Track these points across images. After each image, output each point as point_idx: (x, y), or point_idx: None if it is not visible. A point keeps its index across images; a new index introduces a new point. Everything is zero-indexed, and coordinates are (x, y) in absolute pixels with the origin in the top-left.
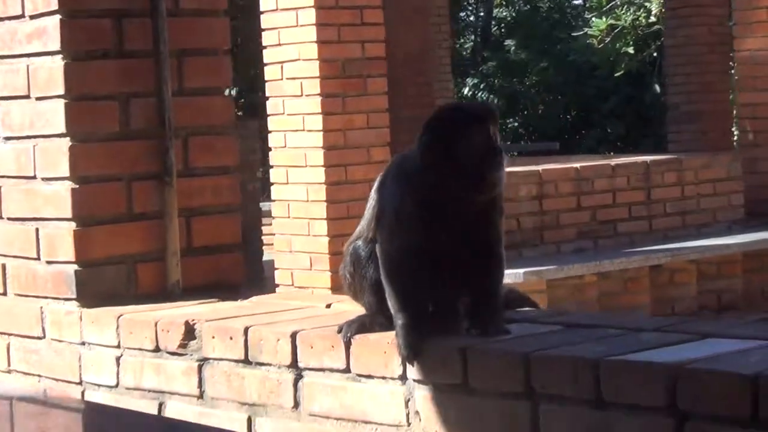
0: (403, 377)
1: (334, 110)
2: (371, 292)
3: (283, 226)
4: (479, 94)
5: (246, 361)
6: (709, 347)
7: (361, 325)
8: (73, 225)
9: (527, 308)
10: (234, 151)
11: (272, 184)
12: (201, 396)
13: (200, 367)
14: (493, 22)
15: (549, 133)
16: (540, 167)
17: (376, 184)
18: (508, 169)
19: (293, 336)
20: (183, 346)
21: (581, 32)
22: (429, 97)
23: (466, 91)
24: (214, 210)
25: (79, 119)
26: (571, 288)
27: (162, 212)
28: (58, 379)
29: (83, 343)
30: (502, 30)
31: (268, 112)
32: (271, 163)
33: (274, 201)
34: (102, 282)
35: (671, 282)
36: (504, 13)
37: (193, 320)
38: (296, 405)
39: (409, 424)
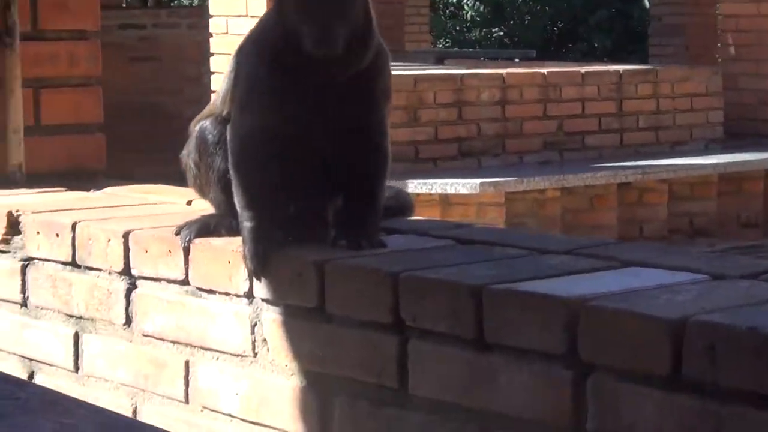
0: (249, 295)
1: None
2: (219, 187)
3: None
4: (465, 0)
5: (74, 264)
6: (628, 279)
7: (204, 227)
8: None
9: (418, 218)
10: (95, 12)
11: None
12: (24, 303)
13: (24, 268)
14: None
15: (535, 44)
16: (504, 70)
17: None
18: (469, 71)
19: (125, 236)
20: (5, 241)
21: None
22: None
23: None
24: (68, 81)
25: None
26: (532, 202)
27: (2, 80)
28: None
29: None
30: None
31: None
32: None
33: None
34: None
35: (640, 201)
36: None
37: (17, 211)
38: (128, 321)
39: (255, 354)
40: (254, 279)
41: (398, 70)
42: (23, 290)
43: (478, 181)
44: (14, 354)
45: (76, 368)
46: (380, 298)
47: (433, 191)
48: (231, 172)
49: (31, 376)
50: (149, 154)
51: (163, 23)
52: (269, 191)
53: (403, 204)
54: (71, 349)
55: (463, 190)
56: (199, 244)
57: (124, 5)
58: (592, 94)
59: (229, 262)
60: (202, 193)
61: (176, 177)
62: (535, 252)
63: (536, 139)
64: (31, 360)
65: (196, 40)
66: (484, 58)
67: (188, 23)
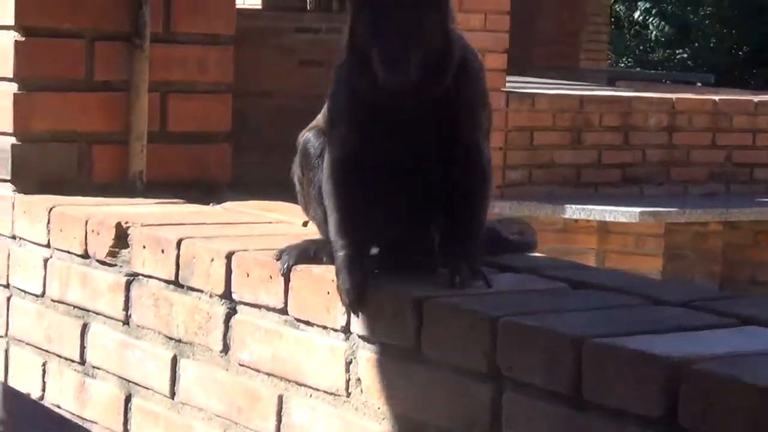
0: (346, 330)
1: None
2: (319, 203)
3: None
4: (650, 19)
5: (176, 283)
6: (743, 340)
7: (304, 253)
8: (14, 87)
9: (537, 254)
10: (230, 15)
11: None
12: (126, 321)
13: (128, 284)
14: None
15: (719, 68)
16: (674, 95)
17: None
18: (638, 94)
19: (228, 257)
20: (112, 254)
21: None
22: (576, 9)
23: (636, 15)
24: (198, 88)
25: None
26: (693, 235)
27: (129, 83)
28: None
29: (14, 237)
30: None
31: None
32: None
33: None
34: (46, 163)
35: None
36: None
37: (126, 223)
38: (225, 349)
39: (348, 394)
40: (351, 313)
41: (564, 89)
42: (126, 307)
43: (638, 209)
44: (114, 374)
45: (172, 394)
46: (477, 344)
47: (591, 218)
48: (324, 199)
49: (128, 398)
50: None
51: (337, 27)
52: (361, 218)
53: (528, 242)
54: (168, 374)
55: (623, 219)
56: (300, 272)
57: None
58: (765, 124)
59: (328, 292)
60: (306, 211)
61: None
62: (649, 301)
63: (702, 169)
64: (129, 382)
65: None
66: (666, 81)
67: None
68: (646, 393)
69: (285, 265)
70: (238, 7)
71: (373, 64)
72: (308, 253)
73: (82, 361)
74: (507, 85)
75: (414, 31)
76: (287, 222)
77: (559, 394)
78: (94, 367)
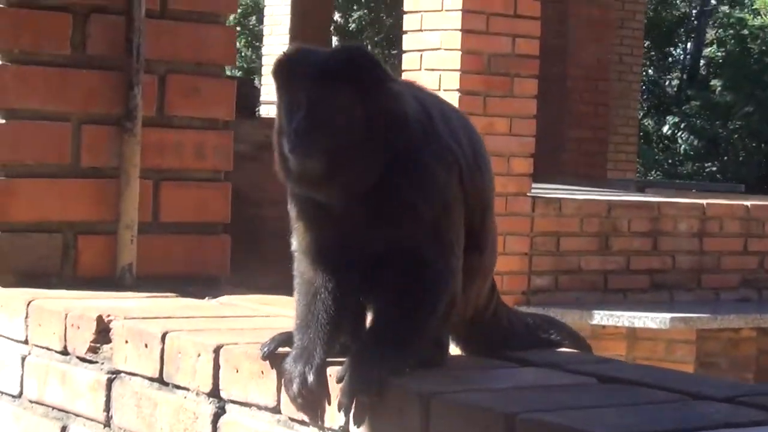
0: (345, 430)
1: (473, 110)
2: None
3: None
4: (679, 133)
5: (161, 381)
6: None
7: (288, 339)
8: None
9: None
10: (229, 99)
11: None
12: (107, 423)
13: (109, 383)
14: (702, 61)
15: (748, 181)
16: (705, 201)
17: None
18: (667, 200)
19: (216, 351)
20: (93, 350)
21: None
22: (605, 119)
23: (665, 129)
24: (194, 175)
25: (17, 31)
26: (725, 342)
27: (119, 170)
28: None
29: None
30: (710, 69)
31: None
32: None
33: None
34: (28, 254)
35: None
36: (714, 52)
37: (108, 316)
38: None
39: None
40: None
41: (592, 195)
42: (107, 408)
43: (669, 315)
44: None
45: None
46: None
47: (620, 324)
48: None
49: None
50: None
51: None
52: (320, 309)
53: (559, 341)
54: None
55: (652, 325)
56: None
57: None
58: None
59: None
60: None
61: None
62: (688, 397)
63: (734, 275)
64: None
65: None
66: (695, 190)
67: None
68: None
69: (265, 349)
70: (262, 116)
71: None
72: (292, 341)
73: None
74: (533, 190)
75: (321, 108)
76: (285, 316)
77: None
78: None
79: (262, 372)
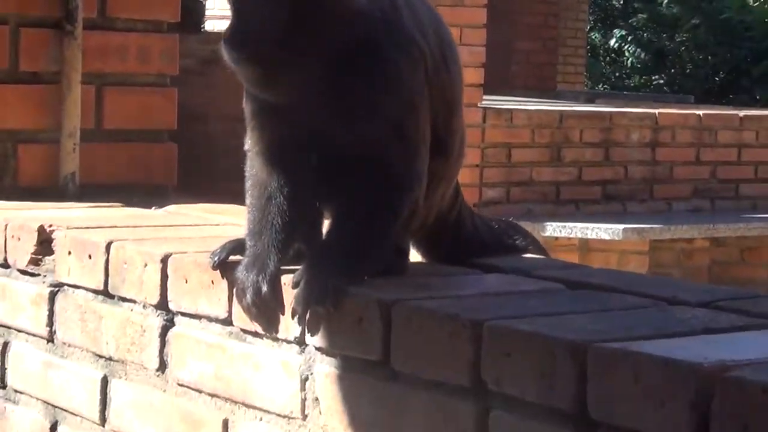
0: (301, 341)
1: None
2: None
3: None
4: (626, 46)
5: (106, 293)
6: None
7: (239, 246)
8: None
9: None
10: (174, 0)
11: None
12: (51, 339)
13: (52, 296)
14: None
15: (695, 93)
16: (657, 110)
17: None
18: (619, 110)
19: (164, 261)
20: (35, 262)
21: None
22: (554, 31)
23: (612, 42)
24: (139, 80)
25: None
26: (678, 253)
27: (60, 75)
28: None
29: None
30: None
31: None
32: None
33: None
34: None
35: None
36: None
37: (51, 226)
38: (162, 367)
39: (304, 417)
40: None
41: (544, 105)
42: (50, 323)
43: (621, 226)
44: (38, 399)
45: (103, 420)
46: (457, 353)
47: (572, 235)
48: None
49: (54, 427)
50: None
51: None
52: (275, 216)
53: (524, 247)
54: (98, 397)
55: (605, 236)
56: None
57: None
58: (750, 139)
59: None
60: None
61: None
62: (662, 302)
63: (687, 186)
64: (55, 407)
65: None
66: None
67: None
68: (670, 409)
69: (216, 258)
70: (208, 30)
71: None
72: (244, 248)
73: (3, 385)
74: (483, 102)
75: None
76: (235, 224)
77: (558, 411)
78: (16, 391)
79: (213, 282)
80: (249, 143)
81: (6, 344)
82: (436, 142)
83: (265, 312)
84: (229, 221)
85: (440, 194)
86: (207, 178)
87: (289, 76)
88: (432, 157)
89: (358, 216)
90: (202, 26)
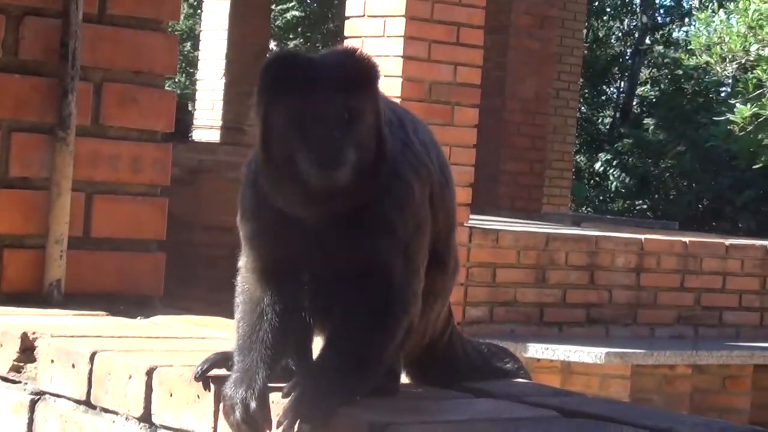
0: None
1: None
2: None
3: None
4: (611, 170)
5: (88, 404)
6: None
7: (223, 360)
8: None
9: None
10: (169, 111)
11: None
12: None
13: (33, 404)
14: (636, 99)
15: (678, 219)
16: (642, 236)
17: None
18: (605, 234)
19: (149, 374)
20: (16, 369)
21: (723, 118)
22: (542, 153)
23: (597, 165)
24: (129, 189)
25: None
26: (660, 379)
27: (50, 181)
28: None
29: None
30: (644, 108)
31: None
32: None
33: None
34: None
35: None
36: (648, 91)
37: (33, 333)
38: None
39: None
40: None
41: (530, 227)
42: (30, 431)
43: (604, 350)
44: None
45: None
46: None
47: (555, 357)
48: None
49: None
50: None
51: None
52: (267, 333)
53: (513, 371)
54: None
55: (588, 359)
56: None
57: None
58: (735, 268)
59: (277, 415)
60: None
61: None
62: None
63: (670, 312)
64: None
65: None
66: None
67: None
68: None
69: (199, 369)
70: (196, 140)
71: (299, 164)
72: (227, 361)
73: None
74: (470, 221)
75: (347, 118)
76: (221, 338)
77: None
78: None
79: (198, 396)
80: (244, 260)
81: None
82: (435, 256)
83: (254, 428)
84: (216, 335)
85: (436, 312)
86: (189, 285)
87: (357, 189)
88: (431, 271)
89: (354, 336)
90: (189, 135)
